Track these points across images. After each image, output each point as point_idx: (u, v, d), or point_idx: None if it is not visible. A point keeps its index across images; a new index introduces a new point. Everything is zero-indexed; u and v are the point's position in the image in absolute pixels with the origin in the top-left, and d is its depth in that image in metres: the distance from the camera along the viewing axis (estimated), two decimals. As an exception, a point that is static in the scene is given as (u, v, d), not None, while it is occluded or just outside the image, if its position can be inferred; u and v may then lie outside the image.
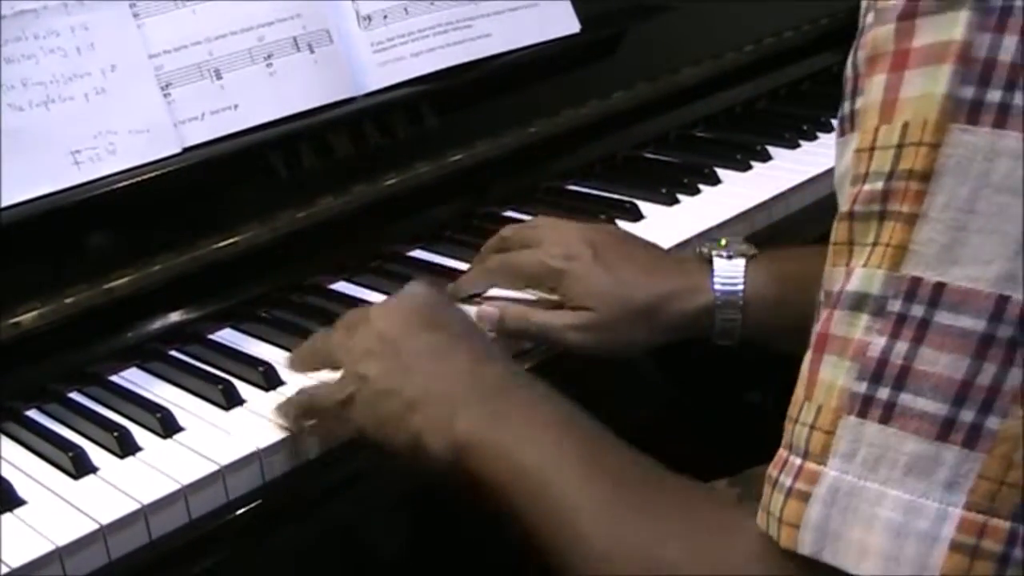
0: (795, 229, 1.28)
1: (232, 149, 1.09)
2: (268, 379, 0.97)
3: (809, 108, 1.55)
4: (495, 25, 1.27)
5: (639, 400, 1.25)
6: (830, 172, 1.43)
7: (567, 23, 1.33)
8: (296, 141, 1.13)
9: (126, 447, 0.90)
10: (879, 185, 0.53)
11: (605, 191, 1.33)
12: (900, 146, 0.52)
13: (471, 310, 0.99)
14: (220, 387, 0.96)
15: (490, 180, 1.28)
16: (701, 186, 1.32)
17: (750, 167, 1.38)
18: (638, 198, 1.28)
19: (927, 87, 0.52)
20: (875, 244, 0.53)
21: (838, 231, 0.56)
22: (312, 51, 1.14)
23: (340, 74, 1.16)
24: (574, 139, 1.36)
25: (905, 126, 0.52)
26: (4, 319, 0.95)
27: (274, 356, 1.01)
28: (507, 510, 0.75)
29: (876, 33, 0.56)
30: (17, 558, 0.78)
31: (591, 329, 0.99)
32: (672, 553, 0.67)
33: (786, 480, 0.56)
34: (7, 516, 0.83)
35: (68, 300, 0.98)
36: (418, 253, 1.21)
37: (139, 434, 0.91)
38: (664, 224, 1.24)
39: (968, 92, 0.51)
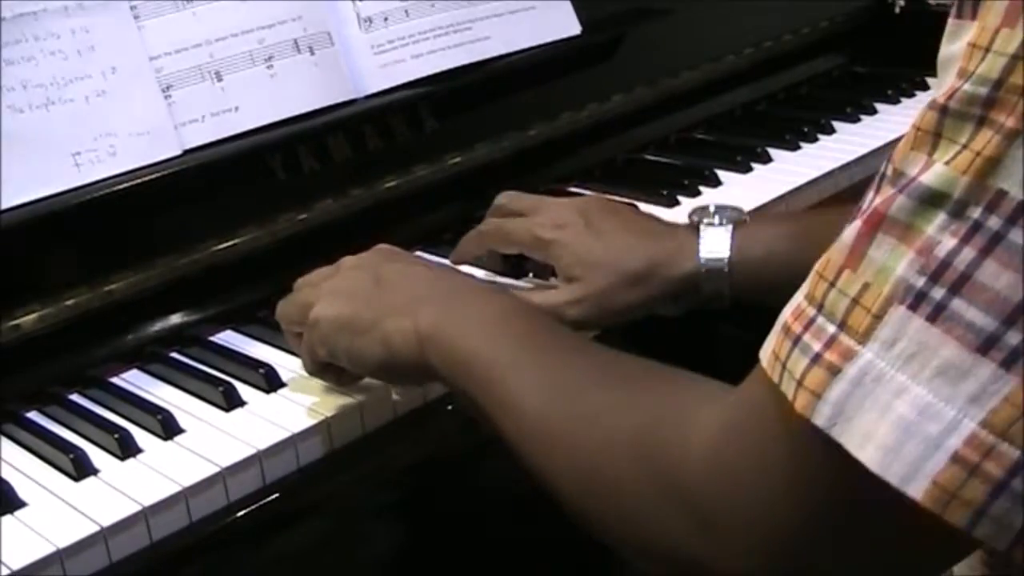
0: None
1: (232, 151, 1.09)
2: (268, 381, 0.97)
3: (809, 110, 1.55)
4: (495, 27, 1.27)
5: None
6: (831, 174, 1.45)
7: (567, 25, 1.33)
8: (296, 143, 1.13)
9: (127, 449, 0.89)
10: (983, 90, 0.51)
11: (605, 193, 1.33)
12: (1016, 57, 0.50)
13: None
14: (220, 389, 0.96)
15: (490, 183, 1.28)
16: (701, 188, 1.32)
17: (750, 169, 1.38)
18: (638, 200, 1.27)
19: None
20: (965, 147, 0.52)
21: (925, 118, 0.54)
22: (312, 53, 1.14)
23: (340, 76, 1.16)
24: (574, 142, 1.36)
25: None
26: (4, 321, 0.95)
27: (274, 358, 1.01)
28: (463, 397, 0.80)
29: None
30: (18, 560, 0.78)
31: (585, 300, 1.00)
32: (624, 420, 0.69)
33: (813, 343, 0.55)
34: (8, 518, 0.83)
35: (68, 302, 0.98)
36: (418, 255, 1.21)
37: (140, 436, 0.91)
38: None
39: None
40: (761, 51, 1.57)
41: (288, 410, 0.94)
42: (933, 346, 0.51)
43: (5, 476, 0.87)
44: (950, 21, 0.56)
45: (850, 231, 0.56)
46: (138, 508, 0.83)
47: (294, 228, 1.11)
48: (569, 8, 1.33)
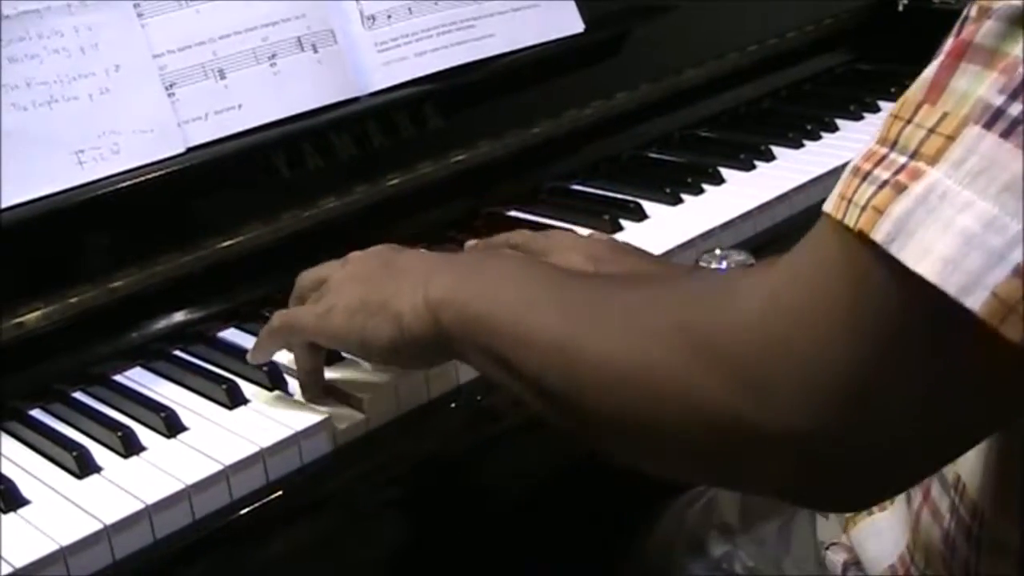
0: (798, 229, 1.27)
1: (236, 149, 1.09)
2: (272, 379, 0.97)
3: (813, 108, 1.55)
4: (499, 25, 1.27)
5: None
6: (834, 171, 1.44)
7: (571, 23, 1.33)
8: (300, 141, 1.13)
9: (130, 447, 0.90)
10: None
11: (609, 191, 1.33)
12: None
13: None
14: (224, 387, 0.96)
15: (493, 180, 1.28)
16: (705, 186, 1.32)
17: (754, 167, 1.38)
18: (642, 198, 1.28)
19: None
20: None
21: None
22: (316, 51, 1.14)
23: (344, 74, 1.16)
24: (577, 139, 1.36)
25: None
26: (8, 319, 0.95)
27: (278, 355, 1.01)
28: (479, 356, 0.78)
29: None
30: (21, 558, 0.78)
31: None
32: (659, 307, 0.66)
33: (883, 174, 0.54)
34: (11, 516, 0.83)
35: (72, 300, 0.98)
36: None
37: (143, 434, 0.91)
38: (668, 224, 1.23)
39: None
40: (765, 48, 1.56)
41: (291, 408, 0.94)
42: (1003, 161, 0.50)
43: (8, 474, 0.87)
44: None
45: (930, 67, 0.54)
46: (141, 506, 0.83)
47: (298, 226, 1.11)
48: (572, 6, 1.33)
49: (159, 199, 1.05)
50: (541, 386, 0.71)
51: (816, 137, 1.46)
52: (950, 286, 0.50)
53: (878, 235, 0.52)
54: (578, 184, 1.36)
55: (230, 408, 0.95)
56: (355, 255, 0.94)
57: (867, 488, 0.61)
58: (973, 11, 0.54)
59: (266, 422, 0.92)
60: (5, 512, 0.83)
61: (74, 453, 0.88)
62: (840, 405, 0.56)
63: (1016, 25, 0.51)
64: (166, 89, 1.07)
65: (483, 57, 1.26)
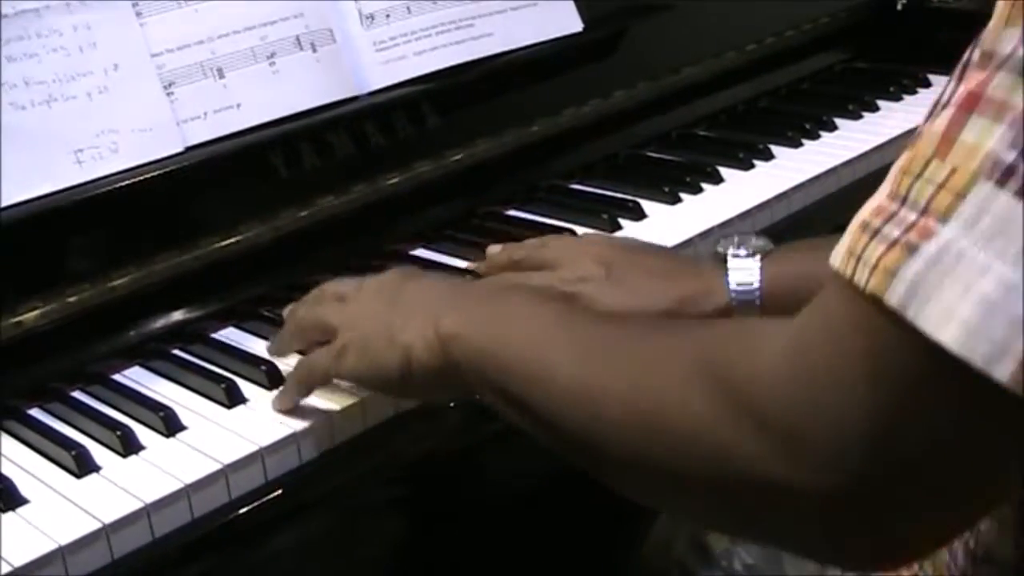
0: (798, 228, 1.28)
1: (234, 148, 1.09)
2: (270, 378, 0.97)
3: (811, 107, 1.55)
4: (497, 24, 1.27)
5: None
6: (833, 171, 1.44)
7: (569, 22, 1.33)
8: (298, 140, 1.13)
9: (129, 446, 0.90)
10: None
11: (607, 190, 1.33)
12: None
13: None
14: (223, 386, 0.96)
15: (492, 179, 1.28)
16: (704, 185, 1.32)
17: (752, 166, 1.38)
18: (641, 197, 1.28)
19: None
20: None
21: None
22: (315, 50, 1.14)
23: (342, 73, 1.16)
24: (576, 138, 1.36)
25: None
26: (6, 318, 0.95)
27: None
28: (491, 391, 0.77)
29: None
30: (20, 557, 0.78)
31: None
32: (683, 353, 0.65)
33: (893, 231, 0.52)
34: (9, 515, 0.83)
35: (70, 299, 0.98)
36: (420, 252, 1.21)
37: (142, 433, 0.91)
38: (667, 223, 1.24)
39: None
40: (763, 47, 1.56)
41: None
42: (1020, 223, 0.48)
43: (7, 473, 0.87)
44: None
45: (940, 120, 0.52)
46: (140, 505, 0.83)
47: (296, 225, 1.11)
48: (571, 5, 1.33)
49: (158, 198, 1.05)
50: (559, 428, 0.71)
51: (815, 136, 1.46)
52: (976, 357, 0.49)
53: (892, 299, 0.51)
54: (576, 183, 1.36)
55: (229, 407, 0.95)
56: (367, 285, 0.93)
57: (894, 545, 0.59)
58: (975, 56, 0.53)
59: (265, 421, 0.92)
60: (4, 511, 0.83)
61: (73, 452, 0.88)
62: (867, 464, 0.55)
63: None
64: (165, 88, 1.07)
65: (481, 56, 1.26)
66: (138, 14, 1.07)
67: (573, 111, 1.35)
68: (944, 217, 0.50)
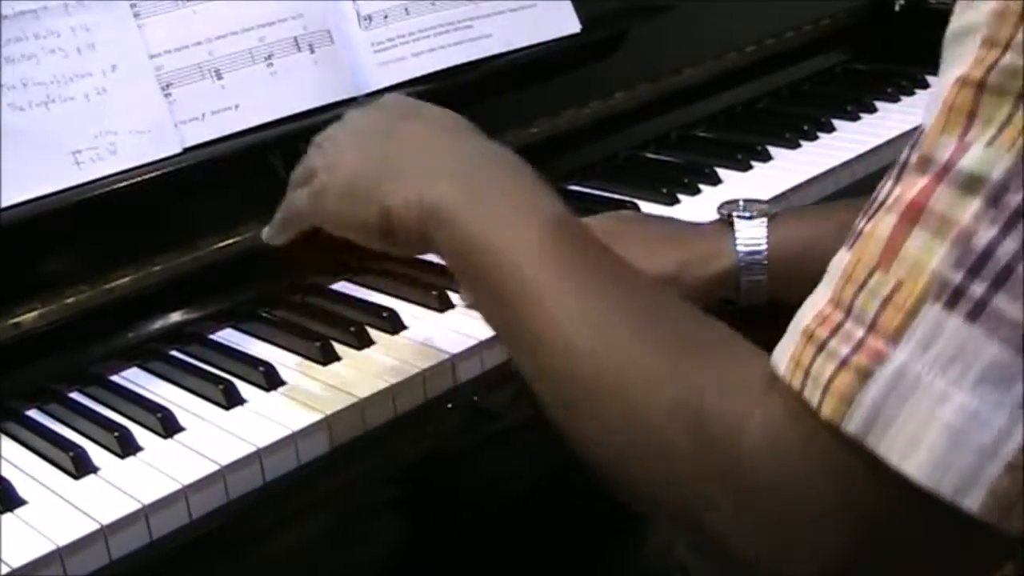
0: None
1: (233, 149, 1.09)
2: (269, 379, 0.97)
3: (810, 108, 1.55)
4: (496, 25, 1.27)
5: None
6: (831, 172, 1.44)
7: (567, 23, 1.33)
8: (296, 141, 1.12)
9: (127, 447, 0.89)
10: (1021, 62, 0.48)
11: (606, 191, 1.33)
12: None
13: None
14: (221, 387, 0.96)
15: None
16: (702, 186, 1.32)
17: (751, 167, 1.38)
18: (639, 198, 1.28)
19: None
20: (1007, 124, 0.48)
21: (959, 96, 0.50)
22: (313, 51, 1.14)
23: (341, 74, 1.16)
24: (575, 139, 1.36)
25: None
26: (5, 319, 0.95)
27: (275, 356, 1.01)
28: (471, 284, 0.74)
29: None
30: (18, 558, 0.78)
31: None
32: (660, 363, 0.63)
33: (841, 347, 0.52)
34: (8, 516, 0.83)
35: (69, 300, 0.98)
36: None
37: (140, 434, 0.91)
38: (665, 224, 1.23)
39: None
40: (762, 48, 1.57)
41: (288, 408, 0.94)
42: (975, 348, 0.48)
43: (5, 474, 0.87)
44: (957, 4, 0.53)
45: (882, 225, 0.52)
46: (138, 506, 0.83)
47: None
48: (569, 6, 1.33)
49: (156, 199, 1.05)
50: (550, 383, 0.69)
51: (813, 137, 1.46)
52: (945, 489, 0.49)
53: (850, 427, 0.51)
54: (575, 184, 1.36)
55: (227, 408, 0.95)
56: (353, 119, 0.86)
57: None
58: (913, 158, 0.53)
59: (263, 422, 0.92)
60: (2, 512, 0.83)
61: (71, 453, 0.88)
62: (843, 560, 0.55)
63: (965, 190, 0.49)
64: (163, 89, 1.07)
65: (480, 57, 1.26)
66: (136, 15, 1.07)
67: (572, 112, 1.35)
68: (895, 338, 0.50)
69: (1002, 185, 0.48)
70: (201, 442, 0.90)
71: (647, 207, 1.26)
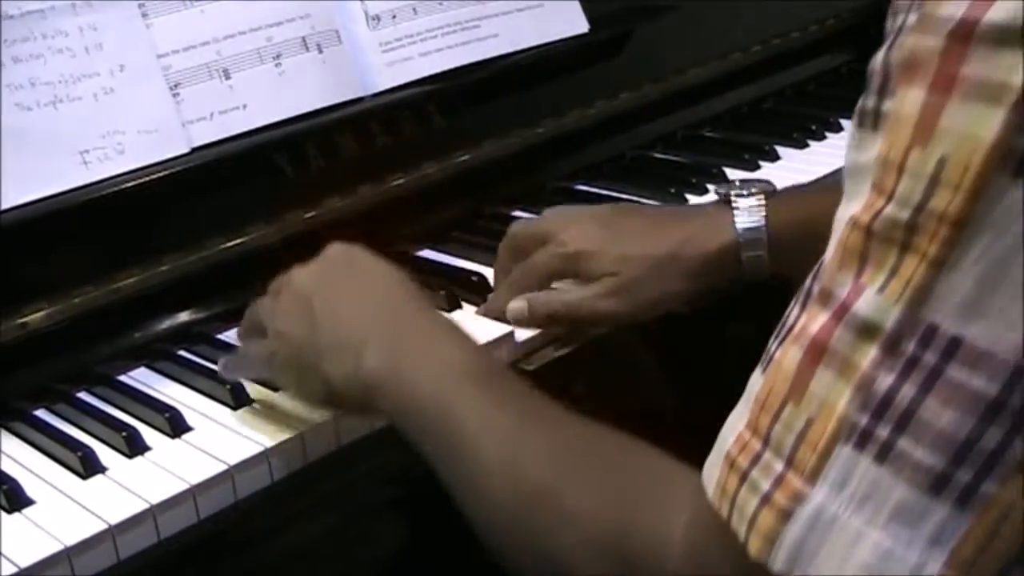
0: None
1: (240, 149, 1.09)
2: (276, 379, 0.97)
3: (817, 108, 1.55)
4: (503, 25, 1.27)
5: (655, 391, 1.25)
6: (838, 172, 1.43)
7: (575, 23, 1.33)
8: (304, 141, 1.13)
9: (134, 447, 0.90)
10: (905, 215, 0.49)
11: (613, 191, 1.33)
12: (933, 182, 0.48)
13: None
14: (228, 387, 0.96)
15: (497, 180, 1.28)
16: (709, 186, 1.31)
17: (758, 167, 1.38)
18: (646, 198, 1.28)
19: (973, 127, 0.47)
20: (894, 274, 0.50)
21: (851, 236, 0.52)
22: (321, 51, 1.14)
23: (348, 74, 1.16)
24: (581, 139, 1.36)
25: (942, 161, 0.48)
26: (11, 319, 0.95)
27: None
28: (416, 444, 0.77)
29: (919, 41, 0.50)
30: (26, 558, 0.78)
31: (619, 292, 0.99)
32: (581, 497, 0.67)
33: (762, 482, 0.54)
34: (16, 516, 0.83)
35: (76, 300, 0.98)
36: (425, 253, 1.21)
37: (147, 434, 0.91)
38: (672, 224, 1.23)
39: (1021, 142, 0.46)
40: (769, 48, 1.56)
41: (296, 407, 0.94)
42: (885, 488, 0.50)
43: (13, 474, 0.87)
44: (852, 131, 0.55)
45: (788, 357, 0.55)
46: (146, 506, 0.83)
47: (302, 226, 1.11)
48: (576, 6, 1.33)
49: (163, 199, 1.05)
50: (452, 488, 0.74)
51: (820, 137, 1.46)
52: None
53: (776, 565, 0.53)
54: (582, 184, 1.36)
55: (234, 408, 0.95)
56: (294, 281, 0.90)
57: None
58: (816, 288, 0.54)
59: (271, 422, 0.92)
60: (10, 512, 0.83)
61: (78, 453, 0.88)
62: None
63: (862, 336, 0.51)
64: (170, 89, 1.07)
65: (487, 57, 1.26)
66: (144, 15, 1.07)
67: (579, 112, 1.34)
68: (812, 478, 0.52)
69: (896, 335, 0.50)
70: (209, 442, 0.90)
71: (654, 207, 1.26)
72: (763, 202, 0.99)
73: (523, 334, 1.02)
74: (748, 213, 0.99)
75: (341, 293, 0.86)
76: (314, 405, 0.89)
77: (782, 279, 0.98)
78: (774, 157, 1.40)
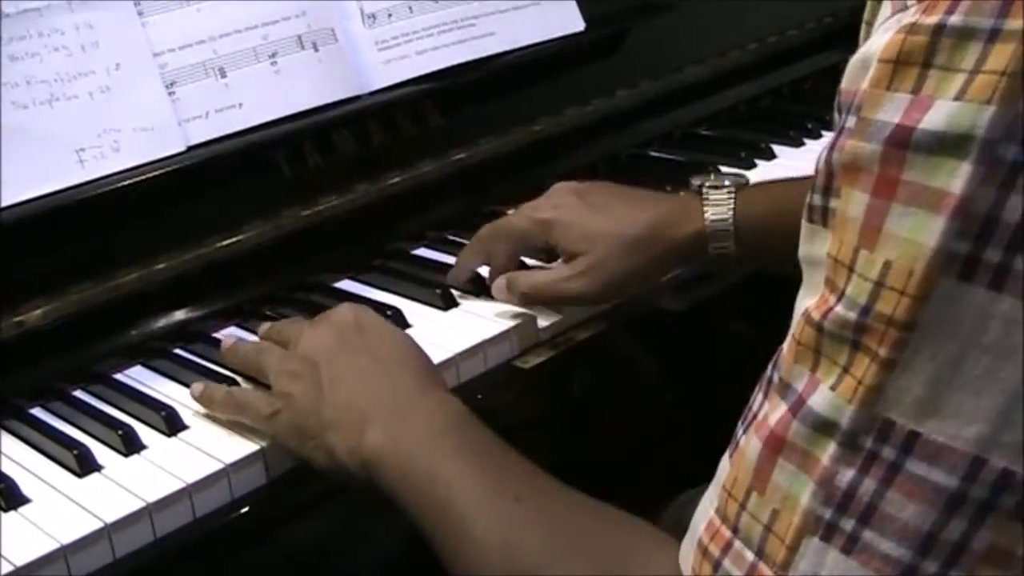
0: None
1: (236, 147, 1.09)
2: (272, 377, 0.97)
3: (813, 106, 1.55)
4: (499, 23, 1.27)
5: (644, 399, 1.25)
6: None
7: (571, 21, 1.33)
8: (300, 139, 1.13)
9: (131, 445, 0.90)
10: (852, 316, 0.50)
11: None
12: (879, 285, 0.49)
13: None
14: (225, 385, 0.95)
15: (494, 179, 1.28)
16: (705, 185, 1.32)
17: (754, 165, 1.38)
18: (642, 196, 1.27)
19: (915, 233, 0.48)
20: (846, 371, 0.51)
21: (804, 332, 0.53)
22: (316, 49, 1.14)
23: (344, 72, 1.16)
24: (578, 138, 1.36)
25: (887, 265, 0.49)
26: (8, 317, 0.95)
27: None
28: (416, 522, 0.77)
29: (858, 147, 0.51)
30: (22, 556, 0.78)
31: (590, 272, 1.00)
32: (567, 568, 0.68)
33: (735, 572, 0.55)
34: (12, 514, 0.83)
35: (72, 298, 0.98)
36: (422, 251, 1.21)
37: (144, 432, 0.91)
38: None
39: (964, 247, 0.47)
40: (765, 47, 1.56)
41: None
42: None
43: (9, 472, 0.87)
44: (803, 223, 0.56)
45: (752, 449, 0.55)
46: (142, 504, 0.83)
47: (298, 224, 1.11)
48: (573, 4, 1.33)
49: (160, 197, 1.05)
50: (449, 566, 0.74)
51: (817, 135, 1.46)
52: None
53: None
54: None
55: (231, 406, 0.95)
56: (307, 337, 0.90)
57: None
58: (776, 377, 0.55)
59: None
60: (6, 511, 0.83)
61: (75, 452, 0.88)
62: None
63: (819, 432, 0.52)
64: (167, 87, 1.06)
65: (484, 55, 1.26)
66: (140, 13, 1.07)
67: (575, 110, 1.34)
68: (783, 569, 0.53)
69: (852, 431, 0.51)
70: (205, 440, 0.90)
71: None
72: (732, 195, 1.01)
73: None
74: (717, 206, 1.01)
75: (349, 364, 0.86)
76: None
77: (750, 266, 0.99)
78: (771, 155, 1.40)
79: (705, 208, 1.01)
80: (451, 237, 1.22)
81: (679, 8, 1.47)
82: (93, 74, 1.03)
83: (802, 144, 1.44)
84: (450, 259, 1.17)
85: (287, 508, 0.90)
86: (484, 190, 1.28)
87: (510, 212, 1.12)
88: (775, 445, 0.54)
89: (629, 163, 1.42)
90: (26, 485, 0.86)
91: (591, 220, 1.01)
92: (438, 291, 1.08)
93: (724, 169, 1.08)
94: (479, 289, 1.09)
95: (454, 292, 1.09)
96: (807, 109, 1.54)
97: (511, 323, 1.03)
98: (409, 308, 1.07)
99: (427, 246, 1.22)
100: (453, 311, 1.07)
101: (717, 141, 1.48)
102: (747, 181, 1.04)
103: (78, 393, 0.99)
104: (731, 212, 1.00)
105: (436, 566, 1.11)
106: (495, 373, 1.02)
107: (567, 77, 1.36)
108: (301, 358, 0.88)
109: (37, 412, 0.97)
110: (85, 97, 1.02)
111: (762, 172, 1.36)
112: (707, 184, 1.03)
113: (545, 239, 1.04)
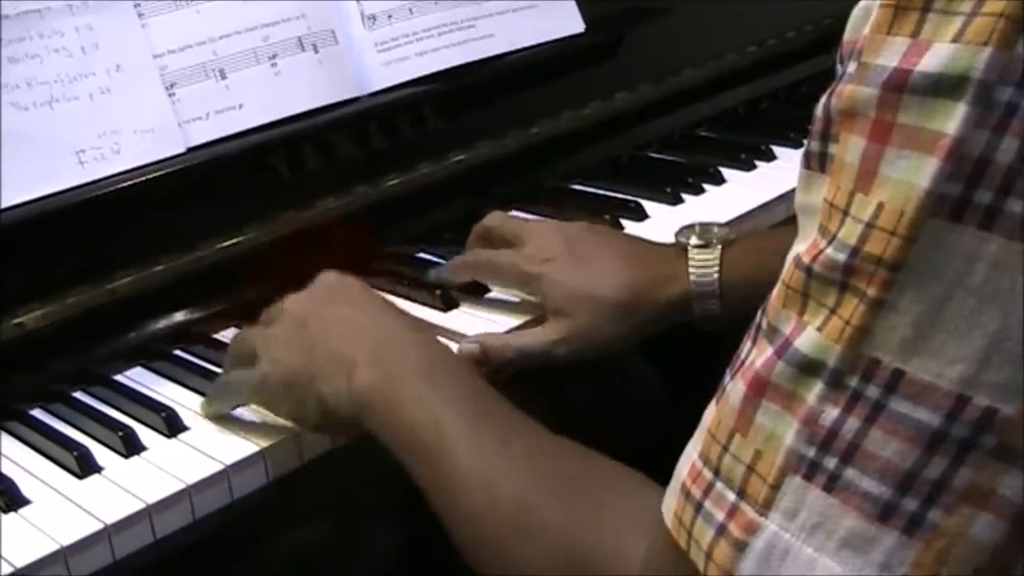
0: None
1: (236, 149, 1.09)
2: (273, 379, 0.97)
3: (812, 109, 1.55)
4: (499, 25, 1.27)
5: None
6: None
7: (571, 23, 1.33)
8: (300, 141, 1.13)
9: (131, 447, 0.90)
10: (842, 257, 0.51)
11: (609, 191, 1.33)
12: (870, 226, 0.50)
13: (452, 347, 0.97)
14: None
15: (493, 181, 1.28)
16: (706, 185, 1.32)
17: (754, 167, 1.38)
18: (642, 197, 1.28)
19: (908, 175, 0.48)
20: (833, 312, 0.51)
21: (793, 276, 0.54)
22: (316, 51, 1.14)
23: (344, 74, 1.16)
24: (577, 140, 1.36)
25: (880, 207, 0.49)
26: (8, 319, 0.95)
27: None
28: (405, 464, 0.79)
29: (856, 91, 0.52)
30: (22, 558, 0.78)
31: (572, 339, 0.99)
32: (550, 513, 0.69)
33: (715, 512, 0.55)
34: (12, 516, 0.83)
35: (72, 300, 0.98)
36: (420, 254, 1.21)
37: (144, 434, 0.91)
38: (668, 223, 1.22)
39: (955, 189, 0.47)
40: (764, 49, 1.56)
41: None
42: (834, 516, 0.51)
43: (9, 474, 0.87)
44: (800, 171, 0.57)
45: (733, 391, 0.56)
46: (142, 506, 0.83)
47: (297, 226, 1.11)
48: (573, 6, 1.33)
49: (160, 199, 1.05)
50: (436, 510, 0.76)
51: (816, 137, 1.46)
52: None
53: None
54: (578, 184, 1.36)
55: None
56: (287, 308, 0.91)
57: None
58: (764, 323, 0.56)
59: (267, 421, 0.92)
60: (6, 512, 0.83)
61: (75, 453, 0.88)
62: None
63: (805, 372, 0.52)
64: (167, 89, 1.07)
65: (483, 57, 1.26)
66: (140, 15, 1.07)
67: (575, 112, 1.35)
68: (764, 509, 0.53)
69: (839, 371, 0.51)
70: (205, 442, 0.90)
71: (651, 207, 1.26)
72: (718, 256, 1.00)
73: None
74: (702, 266, 1.00)
75: (334, 314, 0.88)
76: (308, 429, 0.89)
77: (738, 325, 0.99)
78: (770, 157, 1.40)
79: (691, 270, 1.00)
80: (450, 239, 1.22)
81: (678, 11, 1.47)
82: (93, 76, 1.03)
83: (801, 145, 1.42)
84: (446, 263, 1.18)
85: (287, 509, 0.90)
86: (483, 192, 1.28)
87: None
88: (759, 387, 0.54)
89: (629, 165, 1.42)
90: (26, 486, 0.86)
91: (576, 279, 1.00)
92: (438, 293, 1.08)
93: (707, 221, 1.07)
94: (479, 292, 1.09)
95: (454, 294, 1.09)
96: (807, 111, 1.53)
97: (511, 324, 1.03)
98: (409, 309, 1.07)
99: (425, 249, 1.21)
100: (453, 312, 1.07)
101: (716, 143, 1.48)
102: (735, 236, 1.04)
103: (78, 394, 0.99)
104: (717, 274, 1.00)
105: (436, 567, 1.11)
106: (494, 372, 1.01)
107: (567, 79, 1.36)
108: (286, 322, 0.89)
109: (37, 413, 0.97)
110: (85, 99, 1.02)
111: (762, 173, 1.36)
112: (692, 243, 1.02)
113: (530, 292, 1.04)
